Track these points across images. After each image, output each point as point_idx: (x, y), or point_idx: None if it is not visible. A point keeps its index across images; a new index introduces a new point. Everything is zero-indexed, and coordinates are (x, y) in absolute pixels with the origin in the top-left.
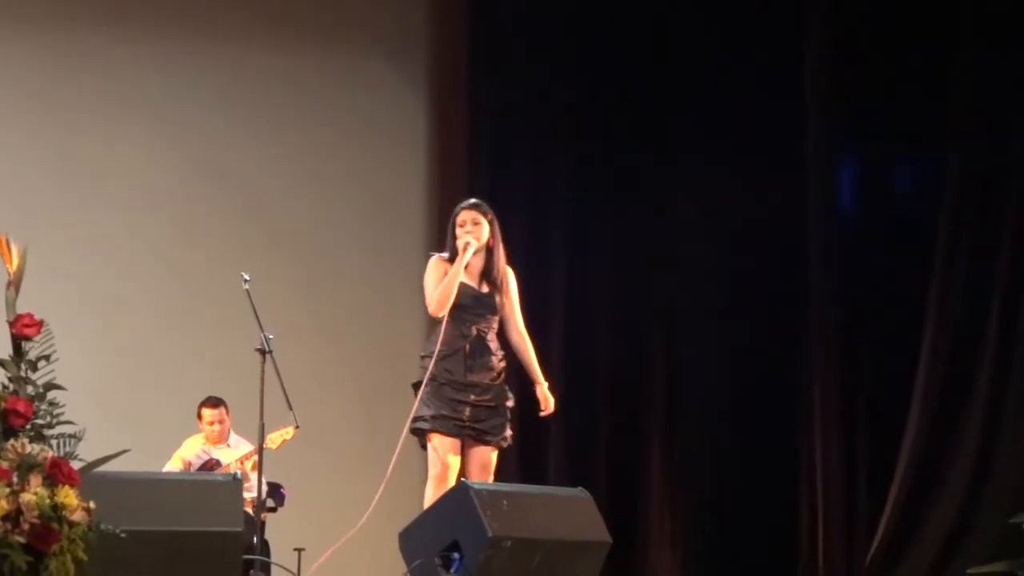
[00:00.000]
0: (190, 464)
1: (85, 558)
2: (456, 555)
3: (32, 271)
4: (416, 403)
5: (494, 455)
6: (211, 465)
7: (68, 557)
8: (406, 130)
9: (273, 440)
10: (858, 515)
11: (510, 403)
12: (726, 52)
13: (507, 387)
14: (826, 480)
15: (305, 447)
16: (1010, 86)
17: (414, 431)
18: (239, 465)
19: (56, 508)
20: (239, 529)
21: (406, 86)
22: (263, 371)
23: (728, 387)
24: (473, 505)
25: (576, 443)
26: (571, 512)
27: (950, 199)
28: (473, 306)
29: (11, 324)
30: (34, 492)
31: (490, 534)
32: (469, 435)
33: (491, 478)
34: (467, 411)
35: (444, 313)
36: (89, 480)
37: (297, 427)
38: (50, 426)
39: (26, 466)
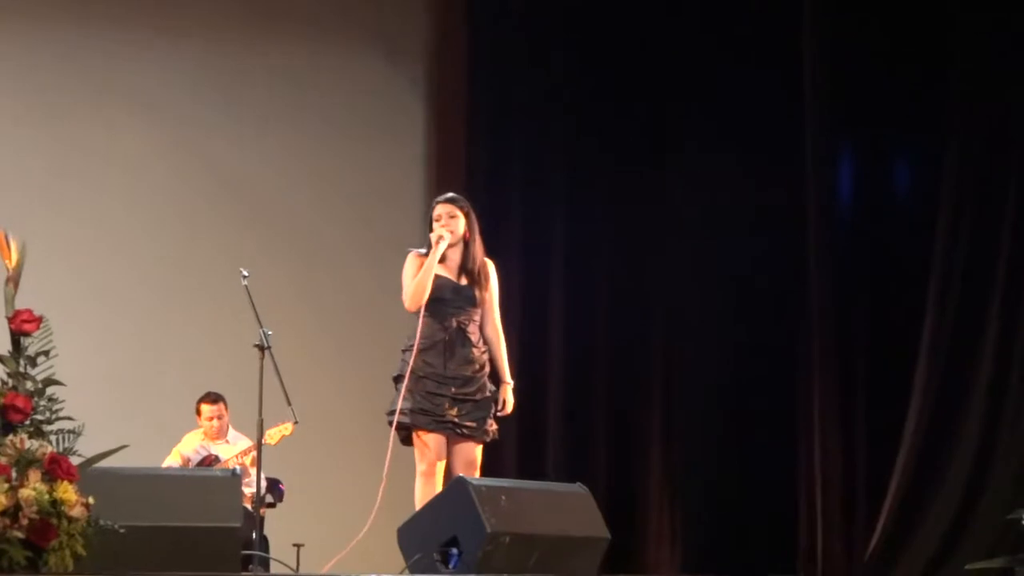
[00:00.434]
0: (189, 460)
1: (84, 553)
2: (454, 550)
3: (30, 267)
4: (395, 397)
5: (479, 450)
6: (210, 461)
7: (67, 552)
8: (405, 127)
9: (272, 436)
10: (857, 511)
11: (492, 395)
12: (725, 49)
13: (488, 381)
14: (825, 475)
15: (304, 443)
16: (1009, 81)
17: (391, 424)
18: (238, 460)
19: (55, 503)
20: (238, 525)
21: (405, 83)
22: (262, 367)
23: (727, 383)
24: (472, 501)
25: (575, 439)
26: (570, 508)
27: (948, 194)
28: (453, 299)
29: (10, 320)
30: (33, 487)
31: (488, 530)
32: (451, 431)
33: (477, 473)
34: (447, 405)
35: (419, 307)
36: (88, 476)
37: (296, 423)
38: (49, 422)
39: (25, 461)
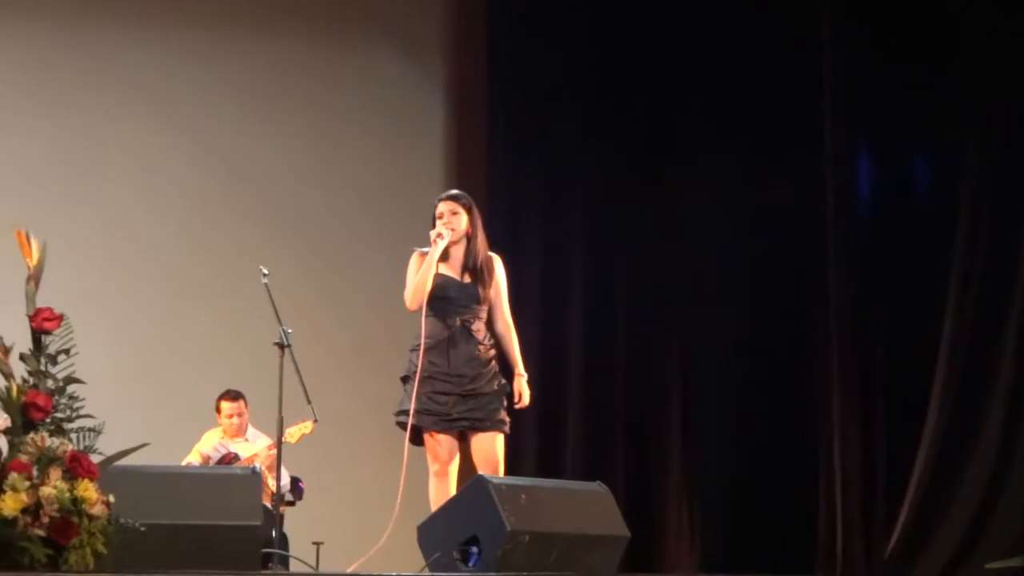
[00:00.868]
0: (209, 458)
1: (104, 551)
2: (474, 549)
3: (48, 265)
4: (403, 397)
5: (499, 441)
6: (230, 459)
7: (88, 550)
8: (425, 124)
9: (292, 435)
10: (877, 509)
11: (502, 388)
12: (742, 48)
13: (499, 376)
14: (845, 474)
15: (324, 440)
16: None
17: (399, 424)
18: (264, 457)
19: (76, 501)
20: (258, 523)
21: (425, 80)
22: (282, 365)
23: (745, 382)
24: (491, 499)
25: (594, 437)
26: (589, 506)
27: (967, 193)
28: (459, 297)
29: (31, 318)
30: (54, 485)
31: (508, 528)
32: (463, 426)
33: (501, 466)
34: (453, 403)
35: (420, 306)
36: (108, 474)
37: (316, 421)
38: (70, 420)
39: (46, 459)
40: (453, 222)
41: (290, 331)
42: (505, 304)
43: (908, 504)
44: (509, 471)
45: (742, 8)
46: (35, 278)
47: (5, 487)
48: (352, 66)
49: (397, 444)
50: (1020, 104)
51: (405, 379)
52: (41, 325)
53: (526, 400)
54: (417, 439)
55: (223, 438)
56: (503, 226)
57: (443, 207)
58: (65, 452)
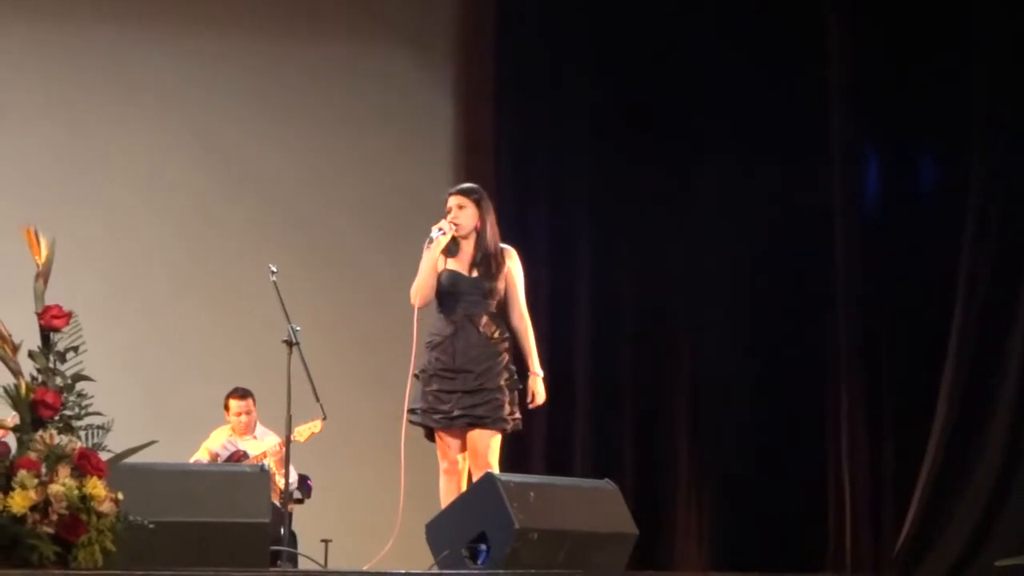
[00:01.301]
0: (217, 455)
1: (113, 549)
2: (483, 546)
3: (55, 263)
4: (414, 395)
5: (495, 440)
6: (238, 456)
7: (96, 548)
8: (432, 124)
9: (301, 433)
10: (885, 508)
11: (511, 382)
12: (748, 51)
13: (509, 370)
14: (854, 471)
15: (333, 438)
16: None
17: (411, 422)
18: (273, 455)
19: (84, 499)
20: (266, 520)
21: (433, 80)
22: (290, 362)
23: (753, 382)
24: (500, 497)
25: (602, 434)
26: (597, 504)
27: (975, 195)
28: (468, 292)
29: (40, 315)
30: (62, 483)
31: (517, 526)
32: (466, 422)
33: (495, 466)
34: (456, 400)
35: (423, 304)
36: (117, 471)
37: (324, 419)
38: (78, 417)
39: (55, 457)
40: (459, 216)
41: (299, 329)
42: (521, 298)
43: (916, 502)
44: (517, 469)
45: (750, 8)
46: (44, 276)
47: (14, 484)
48: (358, 66)
49: (407, 442)
50: None
51: (418, 375)
52: (50, 323)
53: (540, 400)
54: (430, 436)
55: (232, 436)
56: (510, 225)
57: (452, 201)
58: (74, 449)
